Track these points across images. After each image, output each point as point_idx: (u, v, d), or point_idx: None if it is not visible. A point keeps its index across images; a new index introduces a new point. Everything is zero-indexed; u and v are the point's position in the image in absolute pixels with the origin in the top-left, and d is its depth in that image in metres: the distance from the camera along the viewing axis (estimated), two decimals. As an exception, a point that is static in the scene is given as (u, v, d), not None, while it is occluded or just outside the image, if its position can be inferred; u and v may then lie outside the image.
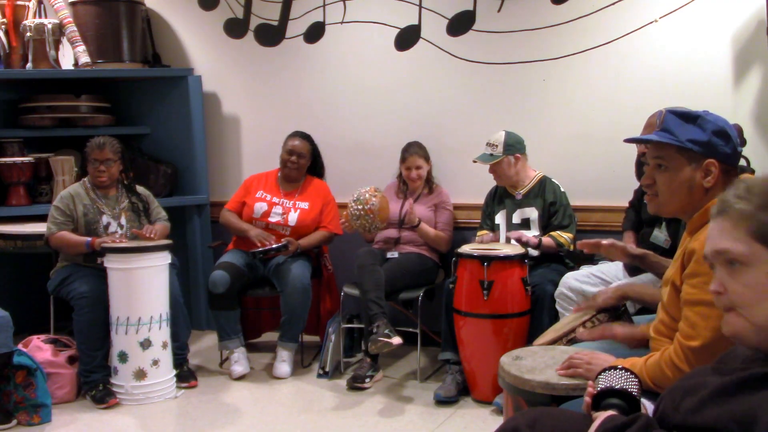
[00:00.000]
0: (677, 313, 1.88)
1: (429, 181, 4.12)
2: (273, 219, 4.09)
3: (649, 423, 1.32)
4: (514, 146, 3.71)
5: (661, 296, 2.01)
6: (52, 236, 3.66)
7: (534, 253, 3.58)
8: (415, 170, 4.04)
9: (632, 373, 1.53)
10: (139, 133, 4.76)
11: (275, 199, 4.15)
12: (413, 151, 4.06)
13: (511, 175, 3.74)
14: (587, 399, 1.52)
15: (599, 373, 1.55)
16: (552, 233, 3.64)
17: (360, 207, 3.75)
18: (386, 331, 3.49)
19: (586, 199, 3.91)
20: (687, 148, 1.86)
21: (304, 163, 4.17)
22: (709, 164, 1.86)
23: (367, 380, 3.70)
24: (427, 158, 4.08)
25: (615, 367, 1.54)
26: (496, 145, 3.70)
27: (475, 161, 3.76)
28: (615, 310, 2.44)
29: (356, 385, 3.68)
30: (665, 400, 1.39)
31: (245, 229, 4.05)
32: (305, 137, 4.19)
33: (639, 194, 3.38)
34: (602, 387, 1.49)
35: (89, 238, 3.61)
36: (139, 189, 3.93)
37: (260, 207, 4.12)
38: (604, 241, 2.46)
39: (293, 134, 4.20)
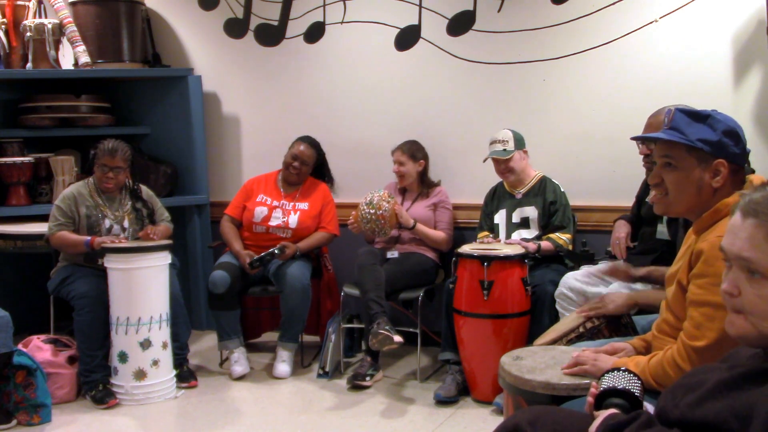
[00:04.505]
0: (682, 312, 1.87)
1: (426, 182, 4.12)
2: (273, 223, 4.08)
3: (650, 420, 1.33)
4: (521, 141, 3.73)
5: (666, 295, 2.00)
6: (53, 236, 3.65)
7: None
8: (397, 165, 4.05)
9: (635, 374, 1.53)
10: (139, 133, 4.75)
11: (275, 203, 4.13)
12: (399, 147, 4.08)
13: (521, 169, 3.74)
14: (590, 399, 1.52)
15: (603, 374, 1.55)
16: (550, 235, 3.64)
17: (372, 211, 3.75)
18: (386, 328, 3.49)
19: (586, 199, 3.91)
20: (697, 148, 1.83)
21: (305, 171, 4.15)
22: (719, 164, 1.83)
23: (368, 378, 3.70)
24: (414, 157, 4.05)
25: (618, 369, 1.55)
26: (507, 141, 3.69)
27: (486, 159, 3.73)
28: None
29: (357, 382, 3.67)
30: (666, 397, 1.39)
31: (237, 251, 4.02)
32: (313, 145, 4.17)
33: (645, 186, 3.30)
34: (605, 387, 1.50)
35: (88, 238, 3.61)
36: (144, 191, 3.91)
37: (261, 211, 4.11)
38: (603, 266, 2.50)
39: (302, 139, 4.17)
